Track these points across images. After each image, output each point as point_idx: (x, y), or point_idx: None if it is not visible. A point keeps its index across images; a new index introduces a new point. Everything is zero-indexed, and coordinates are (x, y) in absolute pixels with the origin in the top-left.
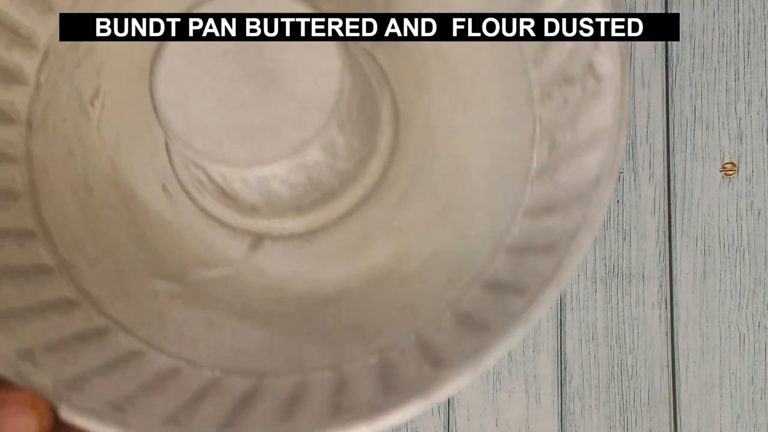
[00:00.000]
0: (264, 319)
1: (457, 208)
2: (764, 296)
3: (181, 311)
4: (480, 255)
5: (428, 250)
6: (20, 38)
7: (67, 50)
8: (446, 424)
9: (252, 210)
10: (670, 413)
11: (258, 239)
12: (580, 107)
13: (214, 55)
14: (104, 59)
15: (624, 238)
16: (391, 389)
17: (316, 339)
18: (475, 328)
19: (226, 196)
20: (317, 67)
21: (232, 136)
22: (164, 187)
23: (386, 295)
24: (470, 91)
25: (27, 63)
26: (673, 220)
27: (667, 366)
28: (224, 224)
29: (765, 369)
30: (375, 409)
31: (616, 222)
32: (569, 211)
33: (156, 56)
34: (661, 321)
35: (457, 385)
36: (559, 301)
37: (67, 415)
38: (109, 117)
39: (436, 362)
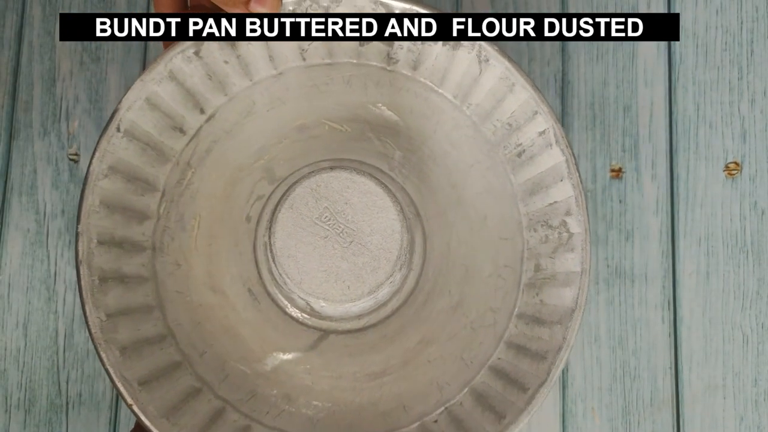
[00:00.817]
0: (328, 392)
1: (467, 304)
2: None
3: (266, 388)
4: (485, 344)
5: (446, 336)
6: (149, 185)
7: (174, 185)
8: None
9: (327, 317)
10: (672, 415)
11: (325, 334)
12: (558, 250)
13: (313, 219)
14: (198, 188)
15: (626, 239)
16: None
17: (367, 408)
18: (490, 410)
19: (314, 311)
20: (384, 229)
21: (328, 280)
22: (250, 291)
23: (417, 371)
24: (474, 211)
25: (152, 202)
26: (676, 220)
27: (670, 368)
28: (299, 322)
29: None
30: None
31: (618, 222)
32: (553, 330)
33: (272, 222)
34: (663, 322)
35: None
36: None
37: None
38: (202, 234)
39: None
